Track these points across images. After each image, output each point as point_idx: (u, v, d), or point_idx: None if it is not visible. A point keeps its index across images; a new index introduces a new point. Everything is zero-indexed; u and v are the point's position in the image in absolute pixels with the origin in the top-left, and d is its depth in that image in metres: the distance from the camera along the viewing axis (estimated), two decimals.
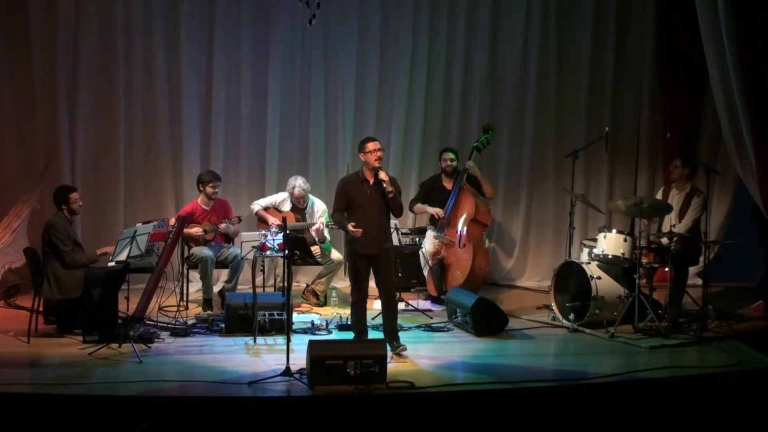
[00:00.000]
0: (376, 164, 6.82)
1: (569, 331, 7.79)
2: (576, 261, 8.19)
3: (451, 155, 8.97)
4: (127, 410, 5.72)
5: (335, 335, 7.54)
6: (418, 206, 8.98)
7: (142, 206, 9.41)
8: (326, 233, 8.67)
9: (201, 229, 8.47)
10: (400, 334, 7.10)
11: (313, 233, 8.56)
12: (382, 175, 6.77)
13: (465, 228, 8.60)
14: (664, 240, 7.85)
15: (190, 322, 7.81)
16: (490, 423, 5.85)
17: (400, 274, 8.81)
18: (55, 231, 7.34)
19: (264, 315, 7.41)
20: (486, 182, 8.90)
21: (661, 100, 10.03)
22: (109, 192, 9.37)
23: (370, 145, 6.87)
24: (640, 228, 7.97)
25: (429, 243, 8.87)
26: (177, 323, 7.67)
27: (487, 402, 6.03)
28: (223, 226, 8.54)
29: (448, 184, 8.92)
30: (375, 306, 7.56)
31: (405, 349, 6.82)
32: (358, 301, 6.96)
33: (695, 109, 9.93)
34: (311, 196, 8.91)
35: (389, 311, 6.95)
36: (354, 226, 6.78)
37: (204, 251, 8.33)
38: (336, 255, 8.74)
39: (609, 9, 10.01)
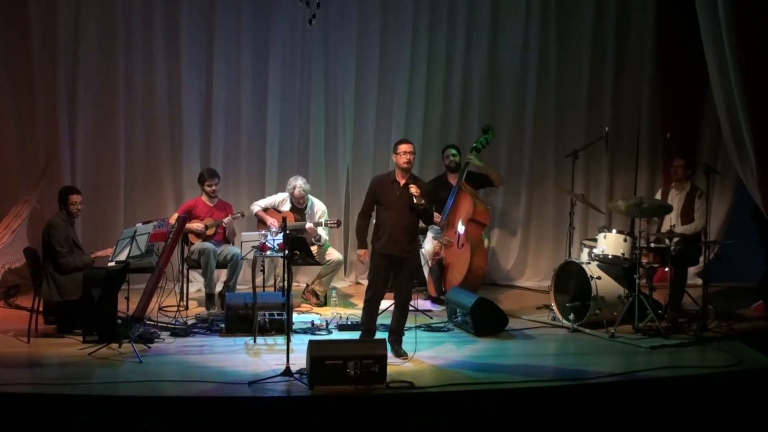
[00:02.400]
0: (405, 165, 6.85)
1: (569, 331, 7.79)
2: (576, 261, 8.19)
3: (452, 151, 9.05)
4: (127, 410, 5.71)
5: (335, 335, 7.54)
6: None
7: (142, 206, 9.40)
8: (322, 232, 8.67)
9: (203, 225, 8.49)
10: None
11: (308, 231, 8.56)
12: (413, 189, 6.75)
13: (463, 228, 8.60)
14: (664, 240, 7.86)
15: (190, 322, 7.82)
16: (490, 423, 5.85)
17: None
18: (54, 232, 7.34)
19: (264, 315, 7.41)
20: (491, 171, 8.93)
21: (661, 100, 10.03)
22: (109, 192, 9.36)
23: (402, 147, 6.91)
24: (640, 228, 7.97)
25: (428, 243, 8.88)
26: (177, 323, 7.67)
27: (487, 402, 6.03)
28: (226, 220, 8.56)
29: (453, 180, 8.95)
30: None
31: (407, 360, 6.79)
32: (371, 299, 6.92)
33: (695, 109, 9.93)
34: (311, 197, 8.92)
35: (400, 312, 6.94)
36: (362, 255, 7.13)
37: (205, 245, 8.37)
38: (336, 255, 8.74)
39: (609, 9, 10.02)
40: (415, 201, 6.72)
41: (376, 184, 7.00)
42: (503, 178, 9.27)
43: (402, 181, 6.85)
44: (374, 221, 7.07)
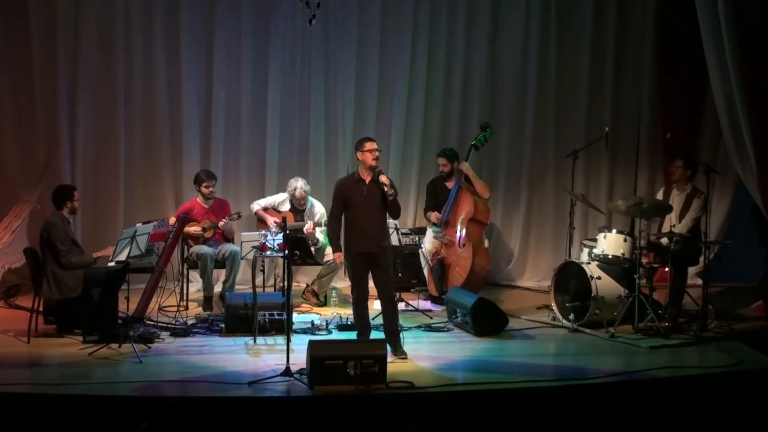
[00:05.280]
0: (374, 164, 6.83)
1: (569, 331, 7.79)
2: (576, 261, 8.19)
3: (442, 161, 8.92)
4: (127, 410, 5.71)
5: (335, 335, 7.54)
6: (429, 214, 8.96)
7: (142, 206, 9.40)
8: (320, 235, 8.66)
9: (200, 228, 8.48)
10: (400, 334, 7.07)
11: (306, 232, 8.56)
12: (383, 178, 6.77)
13: (464, 228, 8.59)
14: (664, 240, 7.85)
15: (190, 322, 7.81)
16: (490, 423, 5.85)
17: (400, 274, 8.83)
18: (54, 230, 7.33)
19: (264, 315, 7.41)
20: (479, 182, 8.75)
21: (661, 100, 10.03)
22: (109, 192, 9.37)
23: (368, 145, 6.87)
24: (640, 228, 7.97)
25: (429, 242, 8.87)
26: (177, 323, 7.67)
27: (487, 402, 6.03)
28: (222, 223, 8.55)
29: (449, 184, 8.92)
30: (375, 306, 7.56)
31: (405, 358, 6.79)
32: (358, 298, 6.96)
33: (695, 109, 9.94)
34: (311, 198, 8.92)
35: (389, 310, 6.94)
36: (338, 257, 7.03)
37: (203, 249, 8.35)
38: None
39: (609, 9, 10.03)
40: (386, 190, 6.74)
41: (341, 187, 6.95)
42: (489, 193, 8.84)
43: (367, 179, 6.85)
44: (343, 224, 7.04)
